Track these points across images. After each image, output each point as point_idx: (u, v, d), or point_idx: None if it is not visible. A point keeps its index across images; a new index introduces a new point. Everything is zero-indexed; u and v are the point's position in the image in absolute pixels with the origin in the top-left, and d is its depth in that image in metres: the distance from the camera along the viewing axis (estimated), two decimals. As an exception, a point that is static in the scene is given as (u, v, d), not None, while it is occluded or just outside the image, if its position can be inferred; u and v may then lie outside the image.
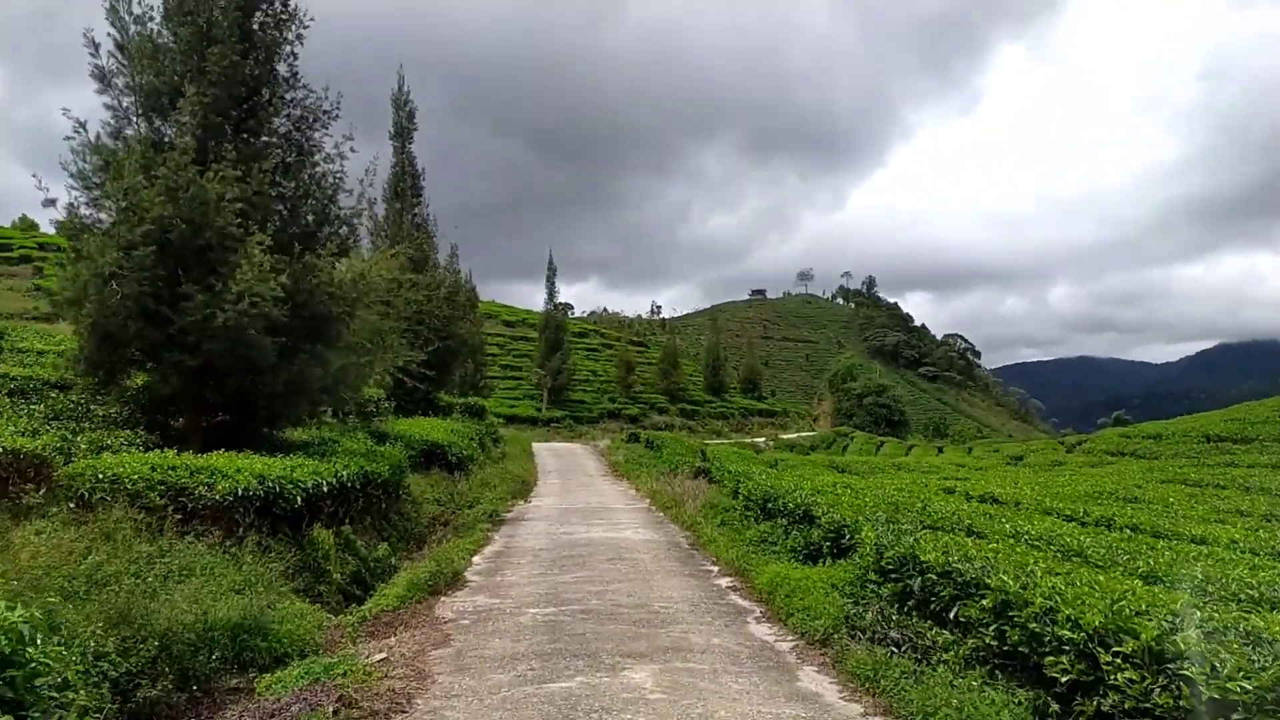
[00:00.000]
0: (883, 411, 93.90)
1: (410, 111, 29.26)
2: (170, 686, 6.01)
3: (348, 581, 10.49)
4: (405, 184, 28.80)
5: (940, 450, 66.57)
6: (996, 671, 5.16)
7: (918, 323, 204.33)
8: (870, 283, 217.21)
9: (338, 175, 13.58)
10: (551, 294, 66.73)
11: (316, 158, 13.57)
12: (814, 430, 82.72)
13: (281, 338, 12.01)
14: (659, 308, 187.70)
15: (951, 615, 5.50)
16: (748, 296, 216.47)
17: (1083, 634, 4.29)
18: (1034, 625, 4.65)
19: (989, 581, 5.21)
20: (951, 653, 5.55)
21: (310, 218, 13.57)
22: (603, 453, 36.31)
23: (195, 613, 6.80)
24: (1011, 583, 4.99)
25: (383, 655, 6.24)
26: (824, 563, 9.67)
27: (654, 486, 20.31)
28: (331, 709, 4.93)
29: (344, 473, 11.37)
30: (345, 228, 13.80)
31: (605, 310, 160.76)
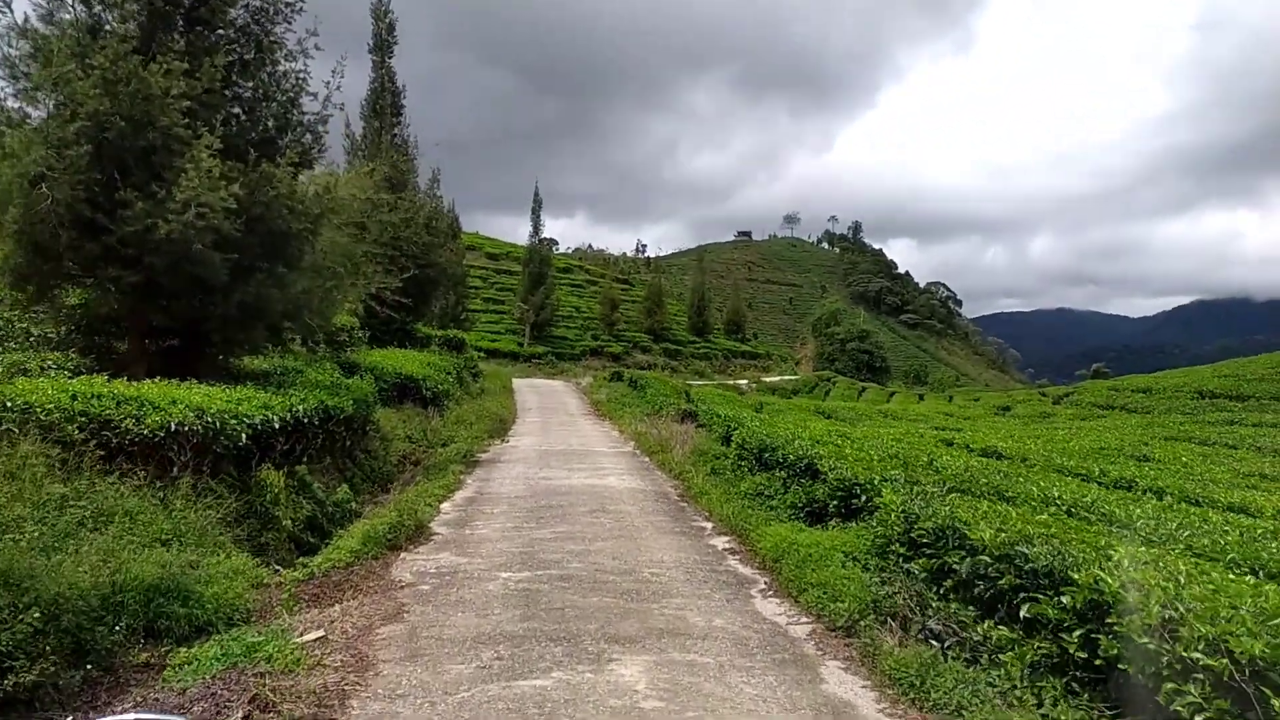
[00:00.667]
0: (865, 357, 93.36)
1: (391, 23, 27.31)
2: (58, 665, 4.90)
3: (301, 528, 9.39)
4: (384, 102, 27.02)
5: (921, 398, 66.25)
6: (1075, 685, 4.13)
7: (901, 270, 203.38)
8: (856, 228, 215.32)
9: (300, 76, 12.09)
10: (537, 227, 64.82)
11: (277, 55, 12.05)
12: (796, 374, 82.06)
13: (234, 255, 10.70)
14: (644, 246, 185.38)
15: (1021, 614, 4.43)
16: (733, 238, 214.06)
17: (1226, 663, 3.22)
18: (1147, 641, 3.59)
19: (1075, 576, 4.13)
20: (1011, 653, 4.51)
21: (270, 122, 12.11)
22: (585, 391, 35.25)
23: (104, 573, 5.68)
24: (1110, 580, 3.91)
25: (320, 633, 5.14)
26: (830, 524, 8.66)
27: (638, 428, 19.26)
28: (240, 715, 3.83)
29: (300, 407, 10.17)
30: (309, 135, 12.34)
31: (590, 247, 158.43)
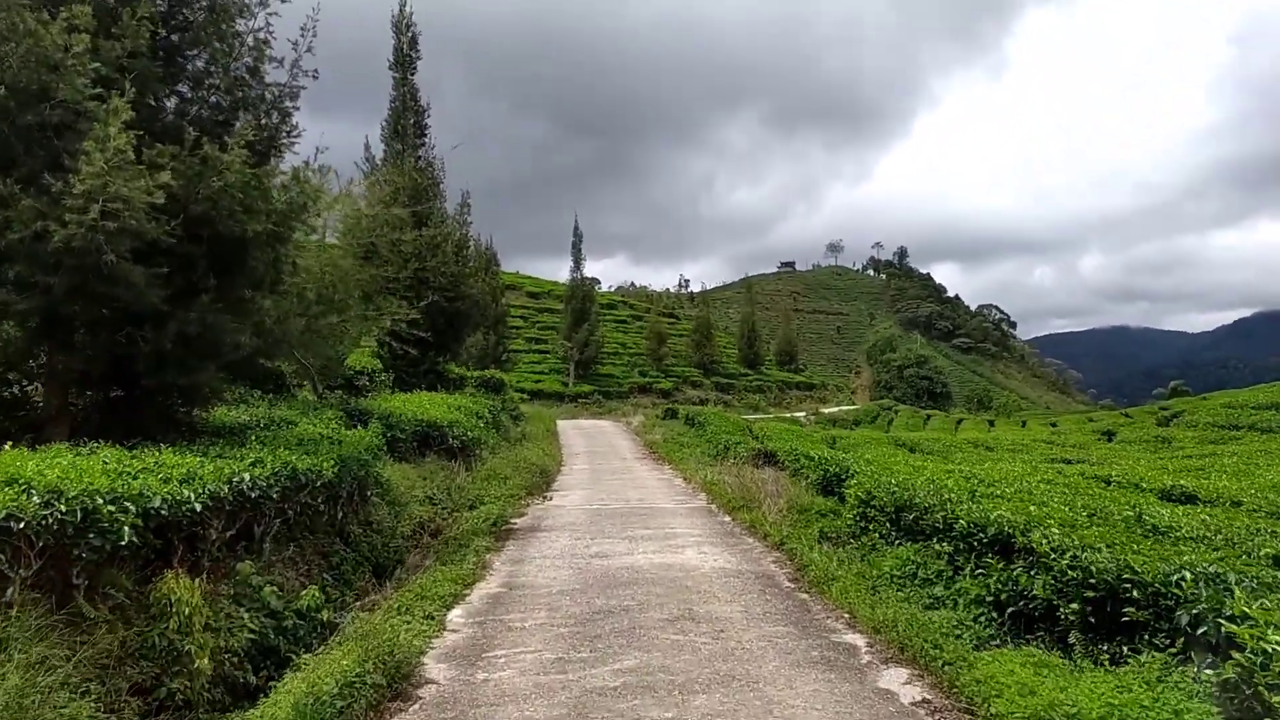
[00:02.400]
0: (924, 383, 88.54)
1: (414, 36, 24.75)
2: None
3: (237, 659, 6.16)
4: (406, 122, 24.36)
5: (991, 424, 61.73)
6: None
7: (950, 294, 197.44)
8: (902, 253, 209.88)
9: (261, 36, 9.14)
10: (578, 262, 61.88)
11: (231, 11, 9.13)
12: (854, 404, 77.77)
13: (164, 269, 7.72)
14: (687, 281, 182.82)
15: None
16: (776, 269, 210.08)
17: None
18: None
19: None
20: None
21: (225, 96, 9.15)
22: (636, 430, 31.92)
23: None
24: None
25: None
26: (1071, 643, 5.20)
27: (707, 475, 15.88)
28: None
29: (248, 475, 6.99)
30: (274, 114, 9.36)
31: (632, 284, 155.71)
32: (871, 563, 7.90)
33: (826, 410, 65.54)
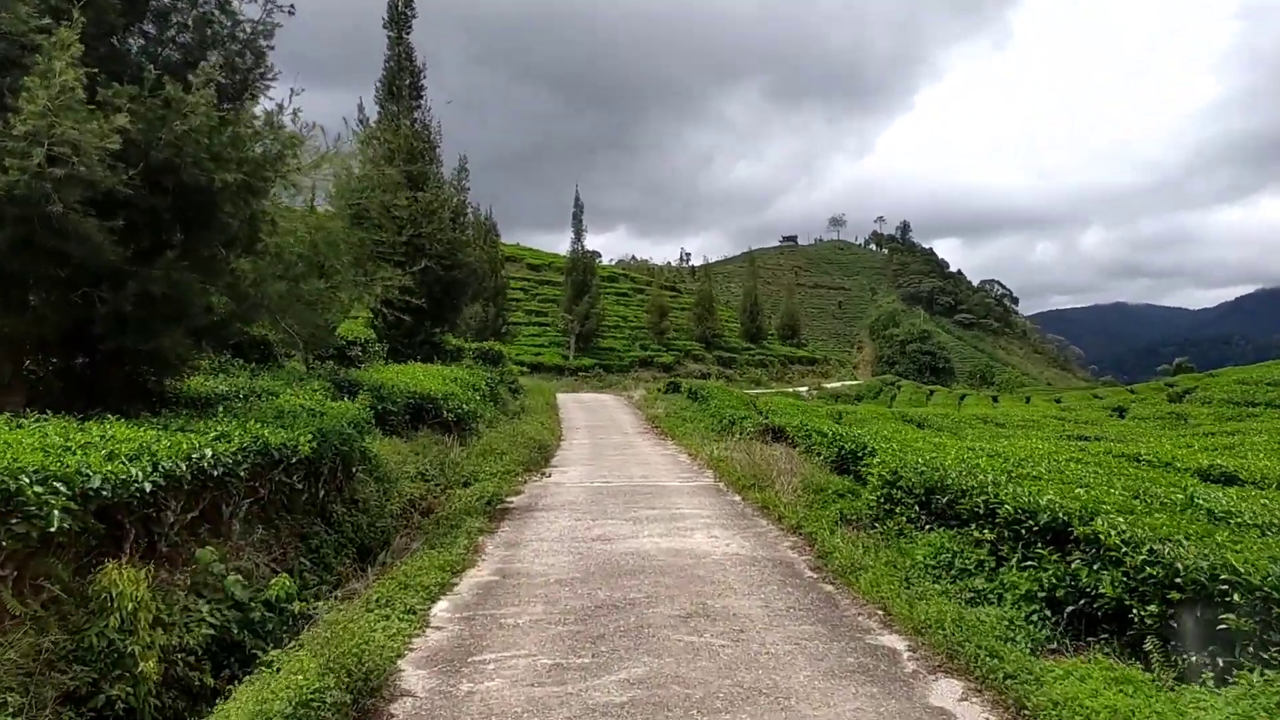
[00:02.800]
0: (927, 359, 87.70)
1: (408, -7, 23.69)
2: None
3: (196, 656, 5.45)
4: (401, 82, 23.38)
5: (995, 400, 61.17)
6: None
7: (953, 269, 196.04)
8: (904, 228, 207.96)
9: (231, -36, 8.27)
10: (579, 233, 60.81)
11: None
12: (856, 379, 77.06)
13: (120, 222, 6.94)
14: (688, 255, 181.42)
15: None
16: (778, 243, 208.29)
17: None
18: None
19: None
20: None
21: (193, 34, 8.31)
22: (638, 405, 31.20)
23: None
24: None
25: None
26: (1145, 647, 4.48)
27: (713, 451, 15.16)
28: None
29: (209, 451, 6.23)
30: (247, 54, 8.51)
31: (633, 258, 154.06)
32: (901, 550, 7.16)
33: (829, 385, 64.86)
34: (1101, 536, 5.16)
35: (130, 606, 5.02)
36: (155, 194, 7.39)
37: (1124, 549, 4.92)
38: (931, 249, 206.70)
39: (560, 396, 33.74)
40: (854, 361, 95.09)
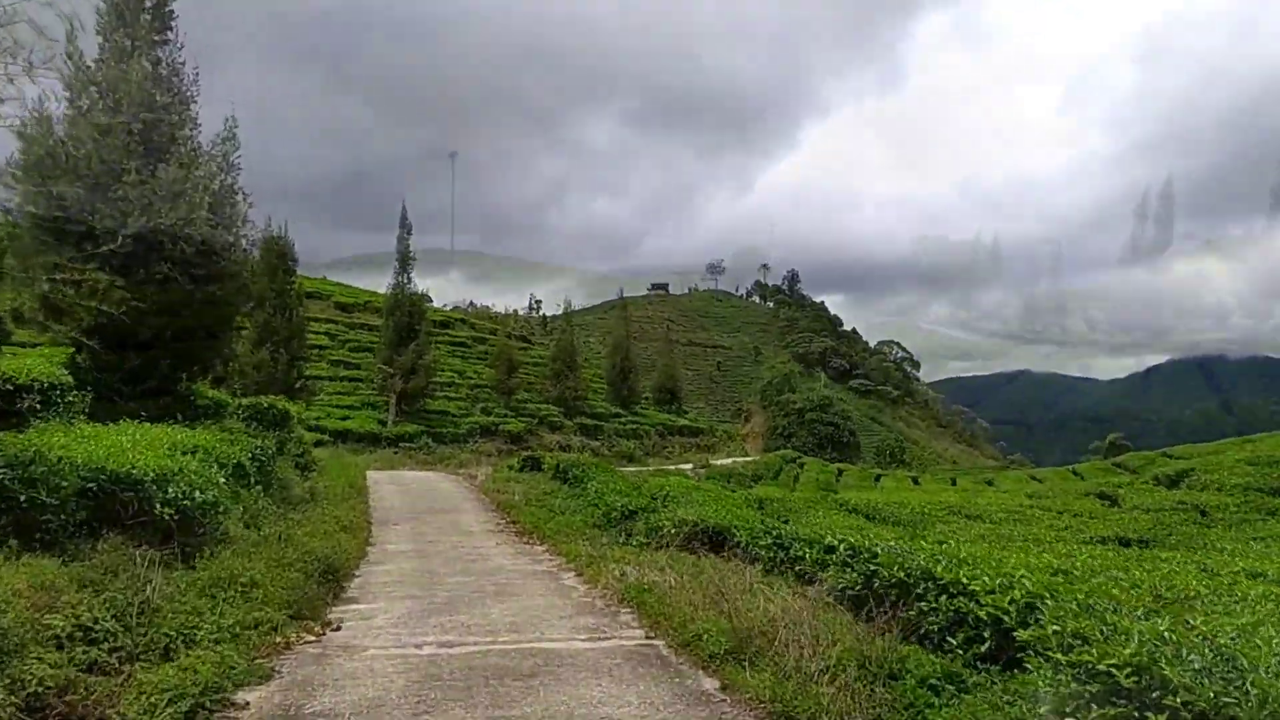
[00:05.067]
0: (829, 430, 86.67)
1: (155, -117, 19.06)
2: None
3: None
4: (139, 3, 18.59)
5: (916, 481, 60.06)
6: None
7: (846, 327, 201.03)
8: (793, 278, 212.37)
9: None
10: (405, 261, 55.41)
11: None
12: (747, 453, 74.73)
13: None
14: (539, 302, 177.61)
15: None
16: (648, 291, 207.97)
17: None
18: None
19: None
20: None
21: None
22: (481, 488, 26.71)
23: None
24: None
25: None
26: None
27: (621, 569, 11.10)
28: None
29: None
30: None
31: (472, 304, 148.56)
32: None
33: (718, 462, 62.04)
34: None
35: None
36: None
37: None
38: (823, 303, 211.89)
39: (373, 475, 28.80)
40: (742, 433, 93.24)
